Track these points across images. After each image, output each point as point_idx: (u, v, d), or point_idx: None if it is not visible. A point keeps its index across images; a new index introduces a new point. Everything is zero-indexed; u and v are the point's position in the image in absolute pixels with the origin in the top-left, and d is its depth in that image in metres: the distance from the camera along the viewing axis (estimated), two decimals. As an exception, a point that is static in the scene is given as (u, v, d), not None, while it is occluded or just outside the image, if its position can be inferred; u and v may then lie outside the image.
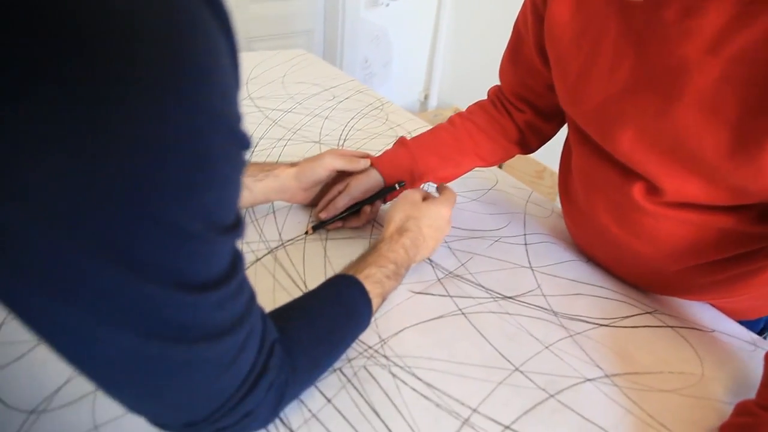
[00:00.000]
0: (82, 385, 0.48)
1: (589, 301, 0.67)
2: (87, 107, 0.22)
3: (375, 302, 0.54)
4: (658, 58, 0.52)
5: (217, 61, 0.26)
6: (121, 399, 0.34)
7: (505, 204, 0.86)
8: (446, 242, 0.75)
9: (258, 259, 0.67)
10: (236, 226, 0.32)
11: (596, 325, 0.63)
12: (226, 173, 0.29)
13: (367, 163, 0.73)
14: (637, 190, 0.59)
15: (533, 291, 0.68)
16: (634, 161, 0.57)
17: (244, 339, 0.36)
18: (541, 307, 0.65)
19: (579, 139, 0.66)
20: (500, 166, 1.68)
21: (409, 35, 2.48)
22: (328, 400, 0.51)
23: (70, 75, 0.21)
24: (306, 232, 0.73)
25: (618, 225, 0.64)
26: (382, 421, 0.49)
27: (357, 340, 0.57)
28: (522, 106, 0.76)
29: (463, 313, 0.63)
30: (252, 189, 0.71)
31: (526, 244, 0.77)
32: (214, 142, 0.27)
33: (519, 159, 1.71)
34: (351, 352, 0.56)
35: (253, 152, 0.91)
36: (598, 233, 0.68)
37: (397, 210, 0.64)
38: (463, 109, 0.83)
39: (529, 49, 0.69)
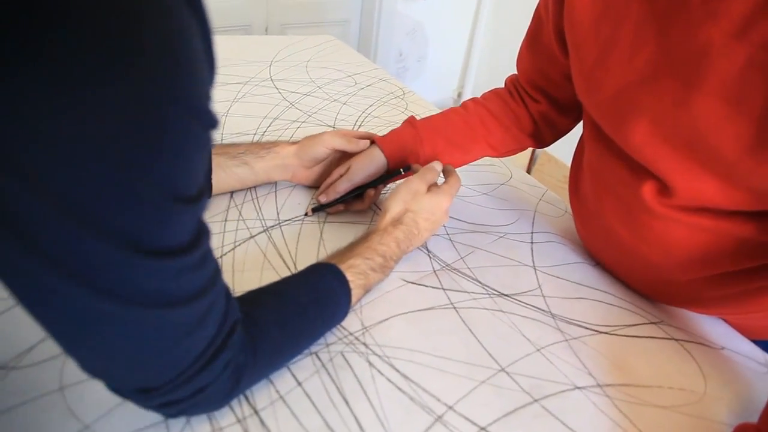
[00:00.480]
0: (53, 347, 0.48)
1: (590, 306, 0.63)
2: (47, 69, 0.23)
3: (355, 294, 0.53)
4: (679, 42, 0.48)
5: (182, 40, 0.27)
6: (77, 357, 0.34)
7: (516, 200, 0.83)
8: (448, 234, 0.72)
9: (252, 237, 0.66)
10: (197, 199, 0.32)
11: (595, 332, 0.60)
12: (183, 145, 0.29)
13: (366, 143, 0.71)
14: (648, 190, 0.55)
15: (533, 291, 0.65)
16: (646, 156, 0.53)
17: (204, 312, 0.36)
18: (539, 308, 0.62)
19: (592, 134, 0.63)
20: (528, 171, 1.63)
21: (446, 31, 2.45)
22: (299, 383, 0.49)
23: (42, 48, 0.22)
24: (305, 214, 0.72)
25: (626, 227, 0.60)
26: (351, 411, 0.47)
27: (338, 326, 0.55)
28: (537, 95, 0.73)
29: (454, 307, 0.60)
30: (253, 166, 0.70)
31: (532, 243, 0.73)
32: (171, 113, 0.27)
33: (548, 162, 1.67)
34: (330, 336, 0.54)
35: (264, 133, 0.90)
36: (606, 235, 0.64)
37: (396, 200, 0.62)
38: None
39: (548, 35, 0.66)
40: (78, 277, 0.28)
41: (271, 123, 0.94)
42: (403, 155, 0.71)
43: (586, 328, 0.60)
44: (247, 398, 0.47)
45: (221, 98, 0.99)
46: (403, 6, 2.24)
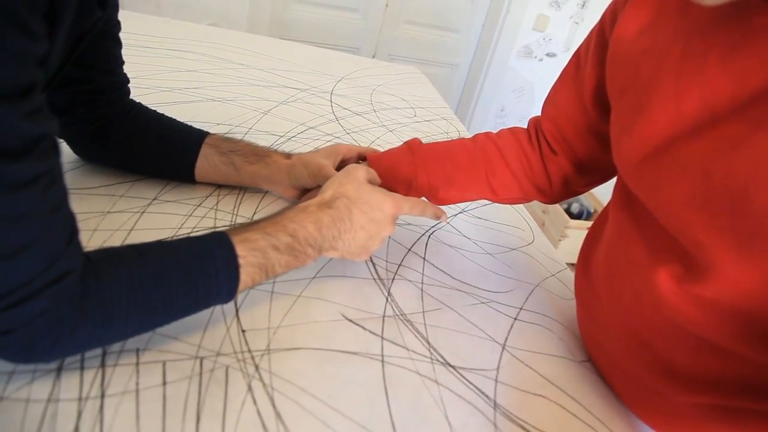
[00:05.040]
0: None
1: (549, 410, 0.52)
2: None
3: (247, 272, 0.45)
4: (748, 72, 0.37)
5: None
6: None
7: (523, 269, 0.73)
8: (422, 283, 0.64)
9: (214, 228, 0.63)
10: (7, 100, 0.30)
11: (537, 441, 0.49)
12: None
13: None
14: (664, 276, 0.44)
15: (487, 371, 0.55)
16: (680, 222, 0.42)
17: (23, 245, 0.33)
18: (482, 392, 0.52)
19: (620, 203, 0.53)
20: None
21: (557, 95, 2.34)
22: (164, 383, 0.44)
23: None
24: (281, 221, 0.68)
25: (633, 316, 0.49)
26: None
27: (240, 338, 0.50)
28: (557, 146, 0.64)
29: (382, 360, 0.52)
30: (240, 170, 0.68)
31: (515, 319, 0.63)
32: None
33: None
34: (225, 347, 0.49)
35: (292, 138, 0.89)
36: (607, 322, 0.53)
37: (333, 183, 0.55)
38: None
39: (585, 80, 0.57)
40: None
41: (304, 131, 0.92)
42: (394, 184, 0.65)
43: (529, 434, 0.49)
44: (102, 379, 0.43)
45: (270, 98, 1.00)
46: (516, 62, 2.18)
